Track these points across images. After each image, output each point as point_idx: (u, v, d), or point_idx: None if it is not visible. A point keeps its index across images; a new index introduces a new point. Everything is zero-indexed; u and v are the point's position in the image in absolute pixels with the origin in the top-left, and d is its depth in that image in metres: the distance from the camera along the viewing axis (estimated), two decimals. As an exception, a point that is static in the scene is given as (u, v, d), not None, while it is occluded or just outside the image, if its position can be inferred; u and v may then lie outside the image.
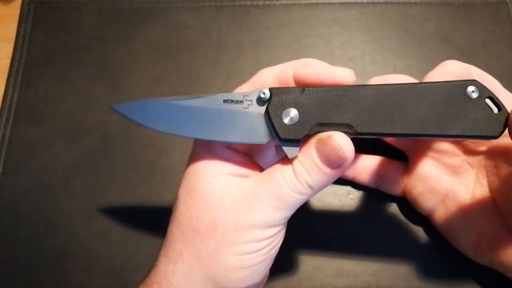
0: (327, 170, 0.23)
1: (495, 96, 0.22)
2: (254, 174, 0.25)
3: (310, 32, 0.39)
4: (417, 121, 0.22)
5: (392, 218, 0.32)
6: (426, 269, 0.31)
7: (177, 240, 0.24)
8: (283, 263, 0.31)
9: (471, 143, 0.28)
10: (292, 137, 0.23)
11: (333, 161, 0.23)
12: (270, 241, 0.24)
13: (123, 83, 0.37)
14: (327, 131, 0.23)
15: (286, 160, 0.24)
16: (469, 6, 0.40)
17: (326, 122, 0.23)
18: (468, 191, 0.29)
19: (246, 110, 0.24)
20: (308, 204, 0.33)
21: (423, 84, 0.23)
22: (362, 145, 0.32)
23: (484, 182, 0.28)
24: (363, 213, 0.32)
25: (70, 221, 0.33)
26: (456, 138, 0.22)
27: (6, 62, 0.39)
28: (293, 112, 0.23)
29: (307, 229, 0.32)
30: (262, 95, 0.23)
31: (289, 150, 0.23)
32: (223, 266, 0.23)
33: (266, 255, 0.24)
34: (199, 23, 0.40)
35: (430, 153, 0.30)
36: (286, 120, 0.23)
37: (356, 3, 0.40)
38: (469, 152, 0.29)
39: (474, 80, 0.22)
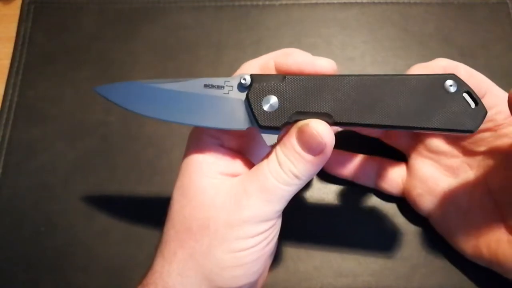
0: (309, 157, 0.23)
1: (473, 91, 0.22)
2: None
3: (310, 32, 0.39)
4: (395, 113, 0.22)
5: (392, 218, 0.32)
6: (426, 269, 0.31)
7: (171, 240, 0.24)
8: (283, 263, 0.31)
9: (469, 143, 0.28)
10: (271, 124, 0.23)
11: (314, 148, 0.22)
12: (264, 236, 0.24)
13: (123, 83, 0.37)
14: (306, 119, 0.23)
15: (271, 153, 0.24)
16: (469, 6, 0.40)
17: (305, 110, 0.23)
18: (467, 193, 0.29)
19: (227, 95, 0.24)
20: (307, 204, 0.33)
21: (402, 76, 0.23)
22: (362, 146, 0.33)
23: (482, 183, 0.28)
24: (363, 213, 0.32)
25: (70, 221, 0.33)
26: (433, 131, 0.22)
27: (6, 62, 0.39)
28: (273, 100, 0.23)
29: (307, 229, 0.32)
30: (243, 81, 0.23)
31: (267, 138, 0.23)
32: (217, 264, 0.23)
33: (261, 252, 0.24)
34: (199, 23, 0.40)
35: (429, 155, 0.30)
36: (266, 107, 0.23)
37: (356, 3, 0.40)
38: (468, 153, 0.29)
39: (453, 74, 0.22)
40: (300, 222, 0.32)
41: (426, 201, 0.30)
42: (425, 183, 0.30)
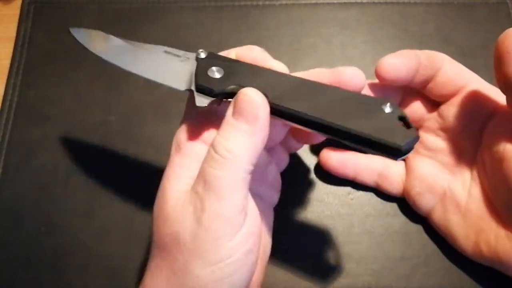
0: (243, 126, 0.22)
1: (407, 117, 0.22)
2: None
3: (310, 32, 0.39)
4: (329, 109, 0.23)
5: (392, 218, 0.32)
6: (426, 269, 0.31)
7: (155, 255, 0.23)
8: (283, 263, 0.31)
9: (463, 139, 0.28)
10: (208, 85, 0.24)
11: (246, 114, 0.22)
12: (240, 242, 0.22)
13: (123, 83, 0.37)
14: None
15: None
16: (469, 6, 0.40)
17: (244, 85, 0.23)
18: (465, 190, 0.29)
19: (180, 61, 0.25)
20: (307, 204, 0.33)
21: (342, 91, 0.24)
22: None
23: (479, 179, 0.28)
24: (363, 213, 0.32)
25: (70, 221, 0.33)
26: (362, 140, 0.22)
27: (6, 62, 0.38)
28: (218, 70, 0.24)
29: (307, 229, 0.32)
30: (199, 55, 0.25)
31: (200, 99, 0.24)
32: (197, 282, 0.21)
33: (242, 261, 0.22)
34: (199, 23, 0.40)
35: (427, 153, 0.30)
36: (209, 73, 0.24)
37: (356, 3, 0.40)
38: (464, 150, 0.29)
39: (389, 99, 0.22)
40: (300, 222, 0.32)
41: (425, 199, 0.30)
42: (424, 181, 0.30)
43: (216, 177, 0.21)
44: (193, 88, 0.24)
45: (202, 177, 0.22)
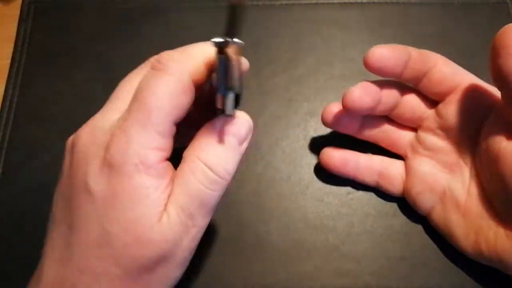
0: (242, 148, 0.24)
1: None
2: None
3: (310, 32, 0.39)
4: None
5: (392, 218, 0.32)
6: (426, 269, 0.31)
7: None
8: (282, 263, 0.31)
9: (462, 135, 0.29)
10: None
11: (247, 139, 0.24)
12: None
13: (123, 83, 0.37)
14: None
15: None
16: (469, 6, 0.40)
17: None
18: (464, 189, 0.29)
19: None
20: (307, 204, 0.33)
21: None
22: (363, 145, 0.33)
23: (477, 178, 0.28)
24: (363, 214, 0.32)
25: (70, 221, 0.33)
26: None
27: (6, 62, 0.38)
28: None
29: (307, 229, 0.32)
30: None
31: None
32: None
33: None
34: (199, 23, 0.40)
35: (426, 152, 0.30)
36: None
37: (356, 3, 0.40)
38: (463, 149, 0.29)
39: None
40: (300, 222, 0.32)
41: (425, 199, 0.30)
42: (424, 181, 0.30)
43: (212, 197, 0.22)
44: None
45: (196, 198, 0.22)
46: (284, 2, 0.40)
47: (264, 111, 0.36)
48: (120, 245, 0.21)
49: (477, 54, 0.37)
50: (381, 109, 0.30)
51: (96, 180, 0.21)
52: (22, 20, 0.40)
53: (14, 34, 0.40)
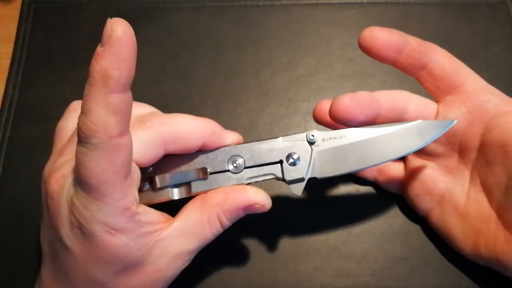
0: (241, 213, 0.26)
1: None
2: None
3: (310, 32, 0.39)
4: None
5: (392, 217, 0.32)
6: (426, 269, 0.31)
7: None
8: (283, 263, 0.31)
9: (463, 140, 0.28)
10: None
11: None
12: None
13: (123, 83, 0.37)
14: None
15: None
16: (469, 6, 0.40)
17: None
18: (463, 192, 0.29)
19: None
20: (307, 204, 0.33)
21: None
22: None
23: (477, 181, 0.28)
24: (363, 213, 0.32)
25: (70, 221, 0.33)
26: None
27: (6, 62, 0.38)
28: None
29: (307, 230, 0.32)
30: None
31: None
32: None
33: None
34: (199, 23, 0.40)
35: (426, 155, 0.30)
36: None
37: (356, 3, 0.40)
38: (463, 151, 0.29)
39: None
40: (300, 222, 0.32)
41: (424, 201, 0.30)
42: (423, 183, 0.30)
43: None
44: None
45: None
46: (284, 2, 0.40)
47: (264, 111, 0.36)
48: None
49: (477, 54, 0.37)
50: (379, 122, 0.28)
51: (69, 238, 0.23)
52: (22, 20, 0.40)
53: (14, 34, 0.40)
